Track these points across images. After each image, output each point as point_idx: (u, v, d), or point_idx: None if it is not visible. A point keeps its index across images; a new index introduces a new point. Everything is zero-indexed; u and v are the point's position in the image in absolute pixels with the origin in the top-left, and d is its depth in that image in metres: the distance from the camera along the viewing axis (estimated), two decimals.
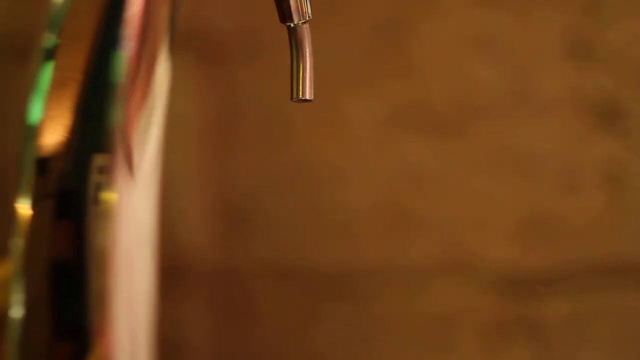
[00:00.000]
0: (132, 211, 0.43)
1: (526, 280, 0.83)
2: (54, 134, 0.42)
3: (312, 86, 0.57)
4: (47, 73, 0.43)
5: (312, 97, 0.56)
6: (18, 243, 0.42)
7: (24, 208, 0.42)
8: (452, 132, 0.74)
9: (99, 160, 0.42)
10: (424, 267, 0.88)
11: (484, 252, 0.85)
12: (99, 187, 0.42)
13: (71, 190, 0.41)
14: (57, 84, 0.42)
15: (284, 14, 0.55)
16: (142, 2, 0.43)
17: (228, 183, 0.68)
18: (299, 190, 0.82)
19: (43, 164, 0.42)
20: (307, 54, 0.56)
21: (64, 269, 0.41)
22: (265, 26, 0.82)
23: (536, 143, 1.04)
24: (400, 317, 1.24)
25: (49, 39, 0.43)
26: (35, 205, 0.42)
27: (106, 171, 0.42)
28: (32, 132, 0.42)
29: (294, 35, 0.56)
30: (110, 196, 0.42)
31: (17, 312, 0.42)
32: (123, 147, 0.42)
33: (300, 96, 0.56)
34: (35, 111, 0.42)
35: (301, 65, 0.56)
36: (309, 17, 0.56)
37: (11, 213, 0.42)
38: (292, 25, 0.55)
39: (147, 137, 0.43)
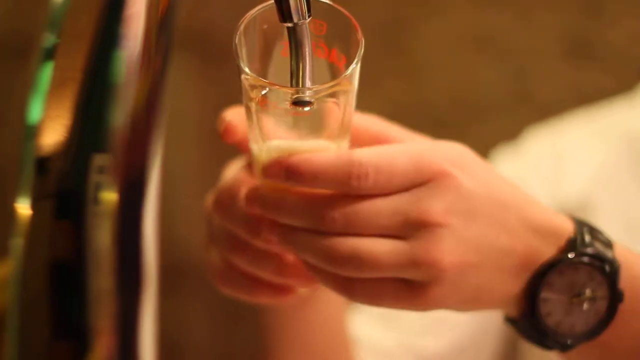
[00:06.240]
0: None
1: None
2: (53, 134, 0.42)
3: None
4: (47, 73, 0.43)
5: (312, 99, 0.56)
6: (18, 243, 0.42)
7: (23, 208, 0.42)
8: (452, 131, 0.74)
9: (99, 160, 0.42)
10: None
11: None
12: (99, 187, 0.42)
13: (71, 190, 0.41)
14: (57, 84, 0.42)
15: (284, 14, 0.56)
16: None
17: None
18: None
19: (43, 164, 0.42)
20: (307, 53, 0.56)
21: (64, 269, 0.41)
22: None
23: None
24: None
25: (48, 39, 0.43)
26: (35, 205, 0.41)
27: (106, 171, 0.42)
28: (32, 132, 0.42)
29: (293, 35, 0.56)
30: (110, 196, 0.42)
31: (17, 312, 0.42)
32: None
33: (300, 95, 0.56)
34: (35, 111, 0.42)
35: (301, 65, 0.56)
36: (308, 17, 0.56)
37: (11, 213, 0.42)
38: (291, 25, 0.56)
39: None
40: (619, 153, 0.89)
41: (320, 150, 0.58)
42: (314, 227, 0.57)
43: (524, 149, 0.94)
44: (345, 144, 0.59)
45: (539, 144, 0.94)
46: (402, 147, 0.58)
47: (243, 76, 0.56)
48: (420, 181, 0.56)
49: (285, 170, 0.57)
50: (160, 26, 0.45)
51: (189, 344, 1.43)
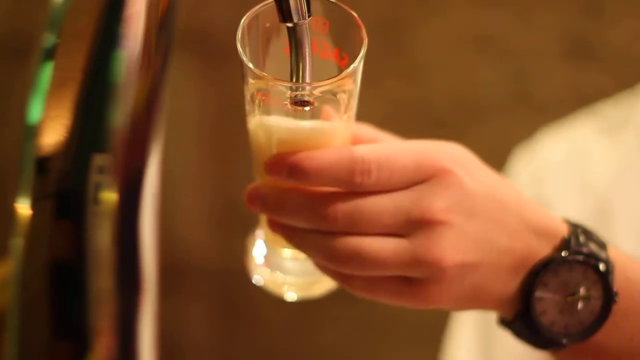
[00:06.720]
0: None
1: None
2: (53, 134, 0.42)
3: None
4: (47, 73, 0.43)
5: (311, 98, 0.56)
6: (18, 243, 0.42)
7: (23, 208, 0.42)
8: (452, 131, 0.75)
9: (99, 160, 0.42)
10: None
11: None
12: (99, 187, 0.42)
13: (71, 190, 0.41)
14: (57, 84, 0.42)
15: (284, 14, 0.56)
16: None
17: (227, 182, 0.68)
18: None
19: (43, 163, 0.42)
20: (307, 53, 0.56)
21: (64, 269, 0.41)
22: None
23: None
24: (400, 318, 1.24)
25: (48, 39, 0.43)
26: (35, 205, 0.42)
27: (106, 171, 0.42)
28: (32, 132, 0.42)
29: (293, 35, 0.56)
30: (110, 196, 0.42)
31: (17, 312, 0.42)
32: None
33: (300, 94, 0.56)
34: (35, 111, 0.42)
35: (301, 65, 0.56)
36: (308, 17, 0.56)
37: (11, 213, 0.42)
38: (291, 25, 0.56)
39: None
40: (632, 149, 0.89)
41: (325, 133, 0.57)
42: (316, 227, 0.57)
43: (539, 151, 0.94)
44: (347, 136, 0.59)
45: (554, 145, 0.94)
46: (403, 145, 0.58)
47: (246, 71, 0.56)
48: (422, 178, 0.56)
49: (287, 167, 0.56)
50: (160, 26, 0.45)
51: (189, 344, 1.43)
